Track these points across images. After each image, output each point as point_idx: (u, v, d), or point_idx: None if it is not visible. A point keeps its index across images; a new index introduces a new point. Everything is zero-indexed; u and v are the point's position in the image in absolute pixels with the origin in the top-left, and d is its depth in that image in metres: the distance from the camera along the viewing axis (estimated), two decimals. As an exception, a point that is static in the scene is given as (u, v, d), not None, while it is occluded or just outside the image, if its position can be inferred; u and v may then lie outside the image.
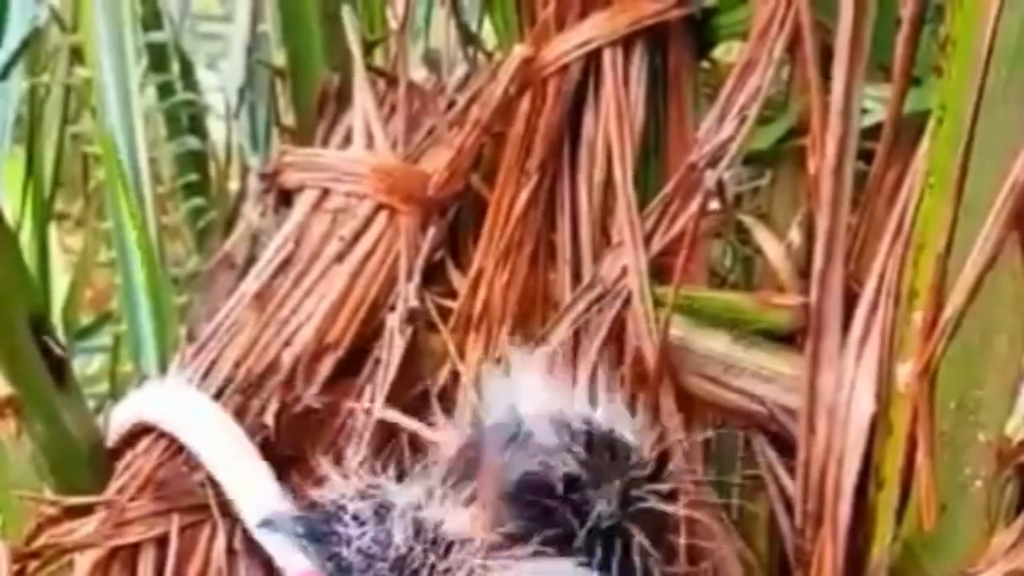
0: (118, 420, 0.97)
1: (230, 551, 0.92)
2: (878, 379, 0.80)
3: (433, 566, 0.71)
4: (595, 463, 0.75)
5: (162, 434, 0.95)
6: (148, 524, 0.91)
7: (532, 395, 0.77)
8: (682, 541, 0.80)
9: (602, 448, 0.75)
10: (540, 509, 0.74)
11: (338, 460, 0.95)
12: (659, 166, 0.94)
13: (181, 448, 0.94)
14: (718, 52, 0.97)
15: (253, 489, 0.92)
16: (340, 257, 0.99)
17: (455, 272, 0.99)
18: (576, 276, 0.93)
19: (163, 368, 1.03)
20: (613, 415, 0.77)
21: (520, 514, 0.73)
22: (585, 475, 0.74)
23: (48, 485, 0.96)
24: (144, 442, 0.95)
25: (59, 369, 0.92)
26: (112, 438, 0.97)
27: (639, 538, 0.74)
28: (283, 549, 0.86)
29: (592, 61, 0.93)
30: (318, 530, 0.73)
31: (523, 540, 0.72)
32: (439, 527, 0.72)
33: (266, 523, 0.79)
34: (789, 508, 0.85)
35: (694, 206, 0.89)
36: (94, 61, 1.16)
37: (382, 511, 0.73)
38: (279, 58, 1.14)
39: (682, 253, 0.87)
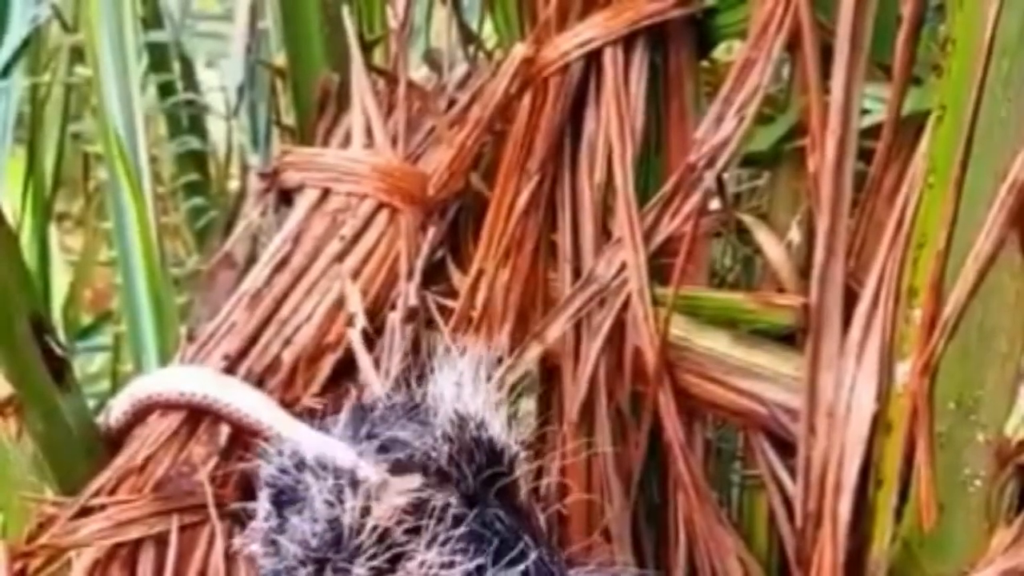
0: (128, 395, 0.96)
1: (230, 551, 0.92)
2: (878, 379, 0.80)
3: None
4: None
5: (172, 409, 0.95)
6: (148, 524, 0.91)
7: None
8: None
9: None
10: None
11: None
12: (660, 165, 0.94)
13: (186, 441, 0.94)
14: (718, 51, 0.97)
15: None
16: (341, 256, 0.99)
17: (456, 271, 0.99)
18: (577, 275, 0.93)
19: (164, 367, 1.03)
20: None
21: None
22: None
23: (49, 484, 0.96)
24: (153, 416, 0.95)
25: (59, 369, 0.92)
26: (121, 413, 0.96)
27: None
28: None
29: (593, 60, 0.93)
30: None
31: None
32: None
33: None
34: (789, 508, 0.85)
35: (694, 205, 0.89)
36: (95, 60, 1.16)
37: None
38: (279, 58, 1.14)
39: (682, 253, 0.87)
